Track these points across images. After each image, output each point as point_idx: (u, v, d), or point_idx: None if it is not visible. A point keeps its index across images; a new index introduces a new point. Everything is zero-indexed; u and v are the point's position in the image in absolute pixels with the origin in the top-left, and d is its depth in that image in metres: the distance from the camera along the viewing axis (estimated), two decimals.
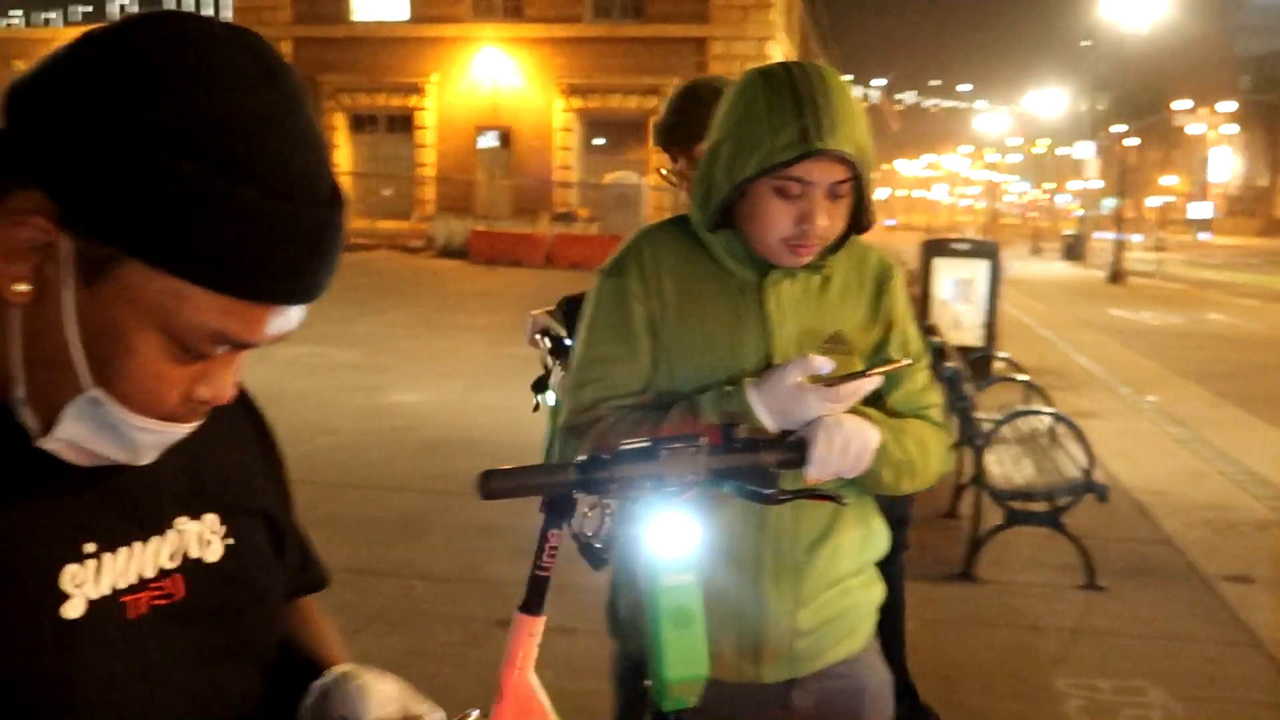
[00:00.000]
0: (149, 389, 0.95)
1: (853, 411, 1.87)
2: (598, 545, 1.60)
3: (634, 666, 2.01)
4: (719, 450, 1.62)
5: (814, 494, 1.79)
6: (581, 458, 1.58)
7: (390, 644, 4.53)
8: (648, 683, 1.58)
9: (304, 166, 0.93)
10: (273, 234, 0.90)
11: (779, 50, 33.26)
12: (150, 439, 0.98)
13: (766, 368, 1.92)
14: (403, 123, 34.35)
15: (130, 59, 0.89)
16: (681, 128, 2.92)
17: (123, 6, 47.58)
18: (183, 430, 1.00)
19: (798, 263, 1.95)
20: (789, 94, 1.85)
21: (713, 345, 1.98)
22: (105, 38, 0.91)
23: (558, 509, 1.63)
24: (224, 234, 0.88)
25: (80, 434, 0.95)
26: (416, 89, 33.57)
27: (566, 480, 1.56)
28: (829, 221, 1.90)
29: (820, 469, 1.79)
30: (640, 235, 2.09)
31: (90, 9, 50.97)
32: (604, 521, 1.60)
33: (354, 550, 5.52)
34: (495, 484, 1.53)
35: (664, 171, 3.06)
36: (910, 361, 2.00)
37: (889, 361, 1.97)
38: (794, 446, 1.77)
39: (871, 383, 1.87)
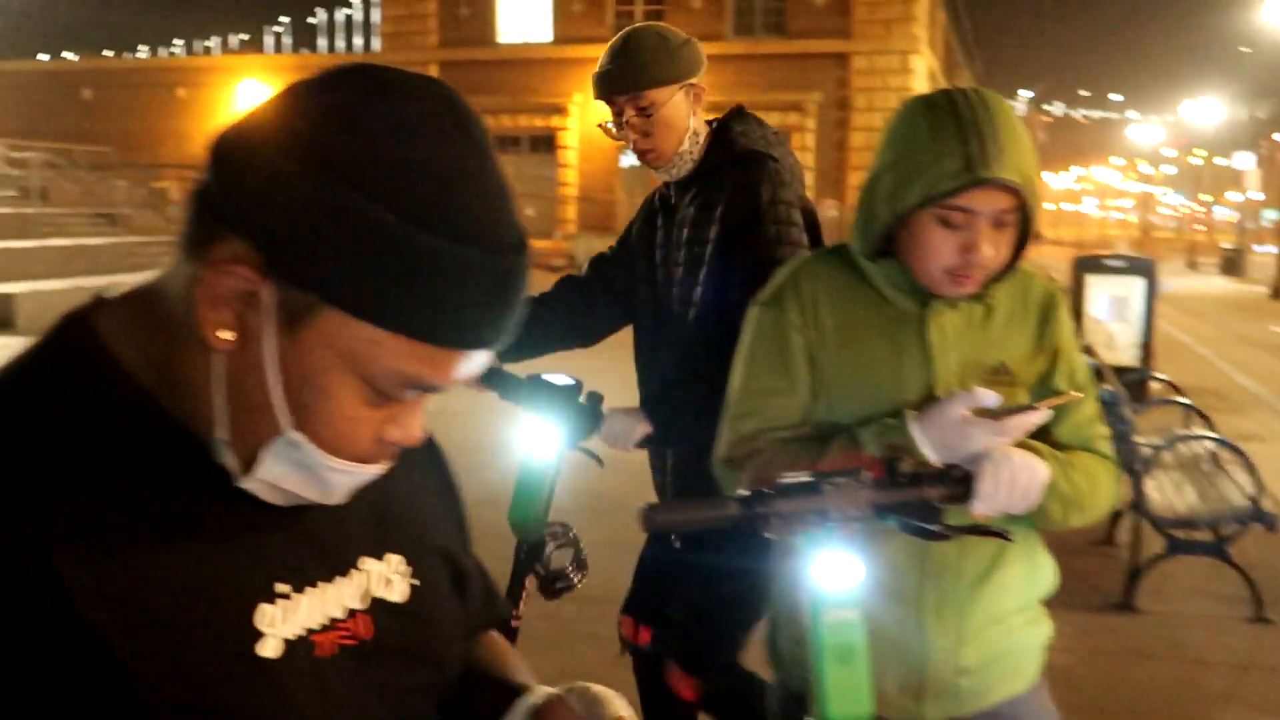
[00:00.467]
0: (343, 432, 0.98)
1: (1019, 444, 1.83)
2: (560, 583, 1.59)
3: (795, 701, 1.99)
4: (883, 484, 1.60)
5: (981, 530, 1.75)
6: (743, 492, 1.57)
7: (539, 663, 4.56)
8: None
9: (494, 215, 0.95)
10: (466, 282, 0.92)
11: (922, 64, 32.83)
12: (343, 480, 1.01)
13: (928, 399, 1.89)
14: (545, 143, 34.83)
15: (332, 111, 0.92)
16: (627, 74, 2.76)
17: (278, 35, 49.32)
18: (374, 471, 1.03)
19: (961, 293, 1.91)
20: (952, 122, 1.81)
21: (873, 377, 1.95)
22: (308, 90, 0.95)
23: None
24: (420, 283, 0.91)
25: (278, 474, 0.98)
26: (559, 109, 34.00)
27: (729, 515, 1.55)
28: (994, 251, 1.86)
29: (988, 504, 1.75)
30: (798, 265, 2.08)
31: (247, 36, 52.96)
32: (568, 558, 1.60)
33: (500, 569, 5.58)
34: (659, 518, 1.53)
35: (604, 125, 2.85)
36: (1080, 395, 1.95)
37: (1056, 393, 1.92)
38: (961, 481, 1.73)
39: (1039, 416, 1.82)
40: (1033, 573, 2.06)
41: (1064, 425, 1.98)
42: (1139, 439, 6.08)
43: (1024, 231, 1.89)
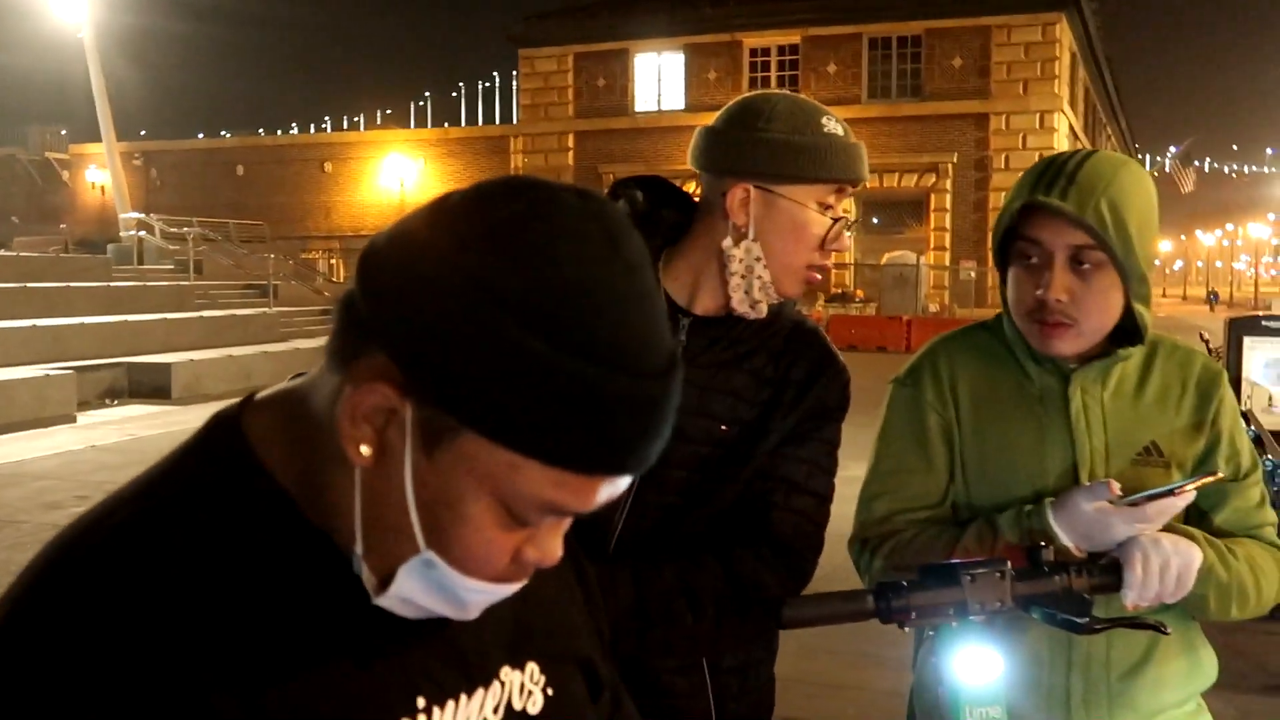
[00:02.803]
0: (480, 553, 0.96)
1: (1172, 530, 1.74)
2: None
3: None
4: (1025, 575, 1.53)
5: (1133, 622, 1.65)
6: (881, 581, 1.52)
7: None
8: None
9: (644, 338, 0.92)
10: (612, 409, 0.90)
11: (1063, 123, 32.33)
12: (479, 599, 1.00)
13: (1074, 482, 1.81)
14: None
15: (486, 230, 0.90)
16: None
17: (421, 108, 50.80)
18: (510, 590, 1.01)
19: (1050, 348, 1.83)
20: (1043, 166, 1.80)
21: (1014, 457, 1.88)
22: (460, 207, 0.93)
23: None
24: (565, 410, 0.89)
25: (414, 592, 0.97)
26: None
27: (865, 609, 1.50)
28: (1070, 296, 1.78)
29: (1139, 593, 1.66)
30: (936, 342, 2.03)
31: (391, 110, 54.59)
32: None
33: None
34: (793, 614, 1.50)
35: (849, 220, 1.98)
36: (1221, 474, 1.83)
37: (1210, 474, 1.81)
38: (1109, 569, 1.65)
39: (1184, 500, 1.71)
40: (1192, 666, 1.94)
41: (1224, 511, 1.88)
42: None
43: (1127, 289, 1.80)
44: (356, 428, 0.92)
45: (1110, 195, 1.74)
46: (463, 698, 1.06)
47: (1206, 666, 1.97)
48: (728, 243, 1.83)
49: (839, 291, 30.81)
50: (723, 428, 1.83)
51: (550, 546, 1.00)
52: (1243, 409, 8.59)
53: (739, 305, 1.84)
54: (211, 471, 0.99)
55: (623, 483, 0.96)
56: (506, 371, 0.87)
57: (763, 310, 1.86)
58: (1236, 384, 10.41)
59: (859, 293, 30.60)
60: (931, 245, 32.09)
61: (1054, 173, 1.77)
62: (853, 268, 32.93)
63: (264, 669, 0.92)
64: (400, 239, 0.93)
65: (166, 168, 43.84)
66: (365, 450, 0.92)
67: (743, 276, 1.83)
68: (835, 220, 1.83)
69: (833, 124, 1.82)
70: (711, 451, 1.83)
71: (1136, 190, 1.78)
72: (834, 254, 1.88)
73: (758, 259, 1.82)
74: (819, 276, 1.88)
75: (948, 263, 31.66)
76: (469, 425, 0.89)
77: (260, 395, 1.05)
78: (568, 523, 1.01)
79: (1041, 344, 1.84)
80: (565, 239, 0.90)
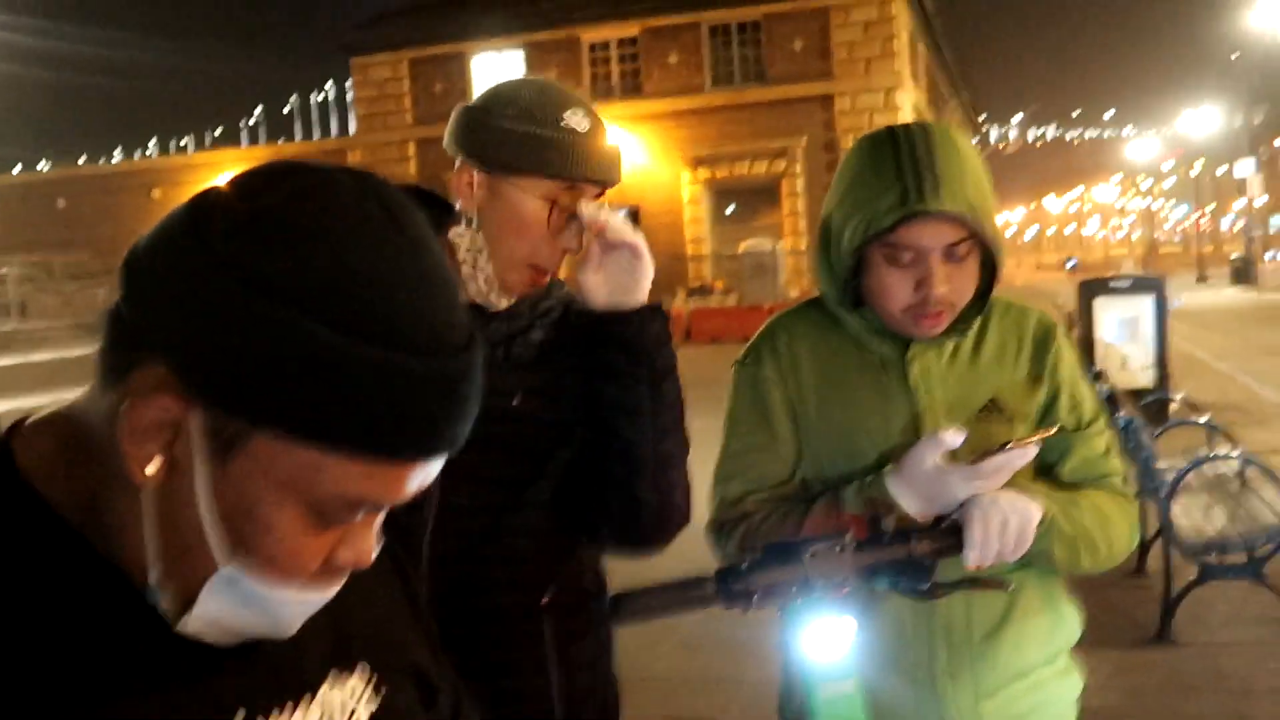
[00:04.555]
0: (289, 562, 0.93)
1: (1013, 486, 1.77)
2: None
3: None
4: (867, 545, 1.55)
5: (977, 582, 1.69)
6: (719, 567, 1.52)
7: None
8: None
9: (435, 316, 0.90)
10: (408, 391, 0.87)
11: (907, 100, 33.07)
12: (292, 610, 0.96)
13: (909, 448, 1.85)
14: None
15: (248, 220, 0.87)
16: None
17: (254, 128, 49.72)
18: (324, 597, 0.98)
19: (928, 334, 1.88)
20: (891, 157, 1.80)
21: (858, 426, 1.92)
22: (220, 200, 0.89)
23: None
24: (356, 396, 0.86)
25: (220, 612, 0.93)
26: None
27: (704, 595, 1.50)
28: (949, 287, 1.83)
29: (980, 553, 1.69)
30: (774, 321, 2.07)
31: (221, 129, 53.33)
32: None
33: None
34: (626, 608, 1.48)
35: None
36: (1061, 425, 1.89)
37: (1048, 429, 1.86)
38: (948, 533, 1.68)
39: (1022, 455, 1.75)
40: (1055, 622, 2.00)
41: (1071, 462, 1.94)
42: (1161, 463, 6.02)
43: (991, 260, 1.86)
44: (139, 446, 0.88)
45: (971, 179, 1.79)
46: (288, 708, 1.02)
47: (1069, 622, 2.02)
48: (456, 230, 1.81)
49: (698, 285, 31.05)
50: (514, 401, 1.81)
51: (362, 546, 0.97)
52: (1096, 369, 8.89)
53: (474, 295, 1.81)
54: None
55: (434, 468, 0.94)
56: (290, 364, 0.84)
57: (500, 302, 1.83)
58: (1090, 346, 10.80)
59: (718, 284, 30.84)
60: (787, 231, 32.52)
61: (914, 169, 1.77)
62: (710, 259, 33.23)
63: (55, 711, 0.87)
64: (161, 240, 0.89)
65: None
66: (151, 469, 0.88)
67: (472, 266, 1.81)
68: (555, 213, 1.78)
69: (579, 118, 1.79)
70: (507, 429, 1.79)
71: (976, 161, 1.83)
72: (565, 254, 1.83)
73: (480, 250, 1.80)
74: (545, 277, 1.84)
75: (804, 247, 32.14)
76: (261, 425, 0.86)
77: (30, 420, 0.99)
78: (378, 521, 0.99)
79: (919, 332, 1.88)
80: (340, 220, 0.88)
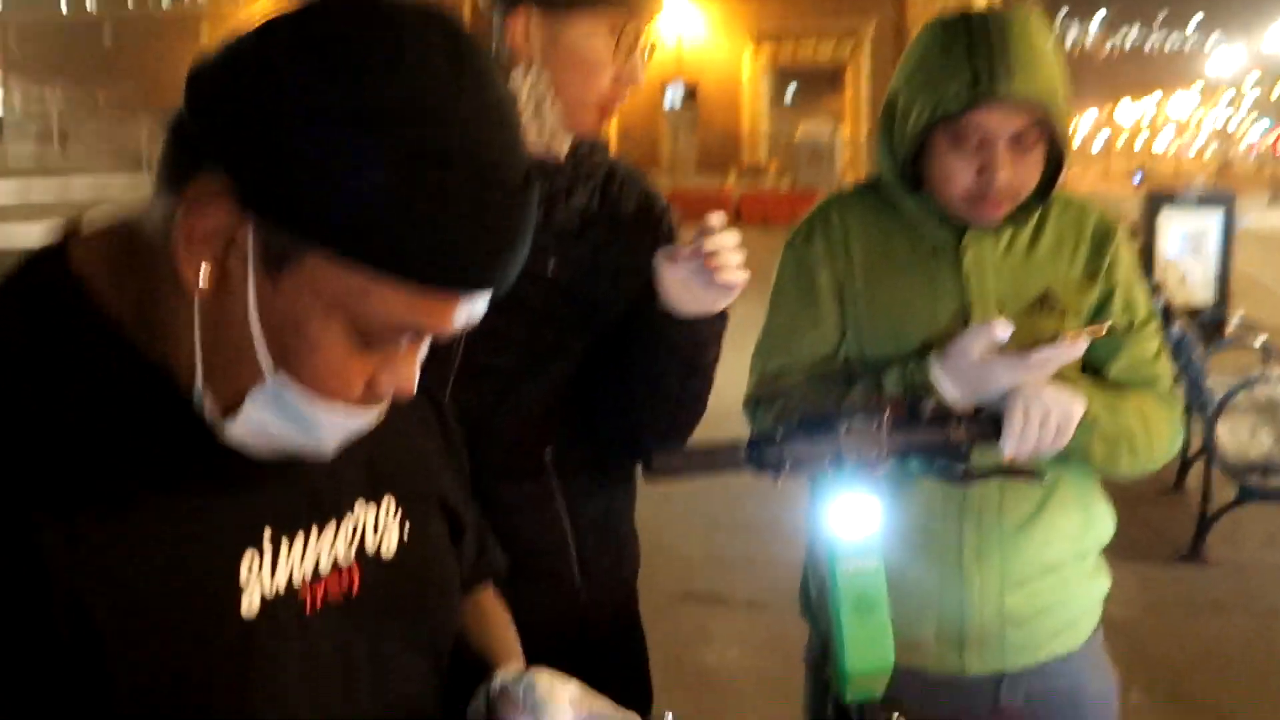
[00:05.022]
0: (332, 379, 0.95)
1: (1059, 380, 1.78)
2: None
3: (825, 652, 1.98)
4: (903, 426, 1.56)
5: (1011, 472, 1.71)
6: (752, 434, 1.55)
7: None
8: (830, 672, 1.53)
9: (494, 150, 0.92)
10: (462, 221, 0.90)
11: None
12: (332, 429, 0.99)
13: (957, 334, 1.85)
14: None
15: (315, 45, 0.89)
16: None
17: None
18: (366, 418, 1.01)
19: (988, 221, 1.88)
20: (964, 39, 1.78)
21: (906, 311, 1.93)
22: (289, 24, 0.91)
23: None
24: (411, 221, 0.88)
25: (264, 422, 0.96)
26: None
27: (737, 460, 1.52)
28: (1013, 174, 1.82)
29: (1015, 444, 1.70)
30: (828, 200, 2.06)
31: None
32: None
33: None
34: (660, 463, 1.50)
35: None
36: (1109, 323, 1.89)
37: (1103, 327, 1.86)
38: (987, 421, 1.69)
39: (1070, 349, 1.77)
40: (1088, 521, 2.01)
41: (1120, 362, 1.94)
42: (1212, 381, 5.99)
43: (1058, 155, 1.85)
44: (194, 251, 0.90)
45: (1045, 68, 1.77)
46: (314, 530, 1.06)
47: (1102, 523, 2.04)
48: (513, 76, 1.77)
49: (752, 166, 30.77)
50: (549, 267, 1.78)
51: (405, 374, 1.00)
52: (1156, 281, 8.79)
53: (532, 146, 1.75)
54: (35, 307, 0.96)
55: (480, 303, 0.96)
56: (343, 185, 0.86)
57: (561, 150, 1.82)
58: (1151, 258, 10.65)
59: (772, 166, 30.56)
60: (848, 118, 32.09)
61: (987, 54, 1.76)
62: (766, 140, 32.86)
63: (95, 510, 0.91)
64: (229, 57, 0.92)
65: (25, 40, 42.11)
66: (203, 278, 0.91)
67: (533, 113, 1.77)
68: (620, 47, 1.75)
69: None
70: (537, 294, 1.77)
71: (1052, 52, 1.81)
72: (630, 89, 1.80)
73: (543, 96, 1.76)
74: (609, 117, 1.81)
75: (864, 137, 31.74)
76: (315, 243, 0.88)
77: (85, 225, 1.02)
78: (423, 350, 1.01)
79: (978, 219, 1.88)
80: (401, 49, 0.89)
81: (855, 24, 31.50)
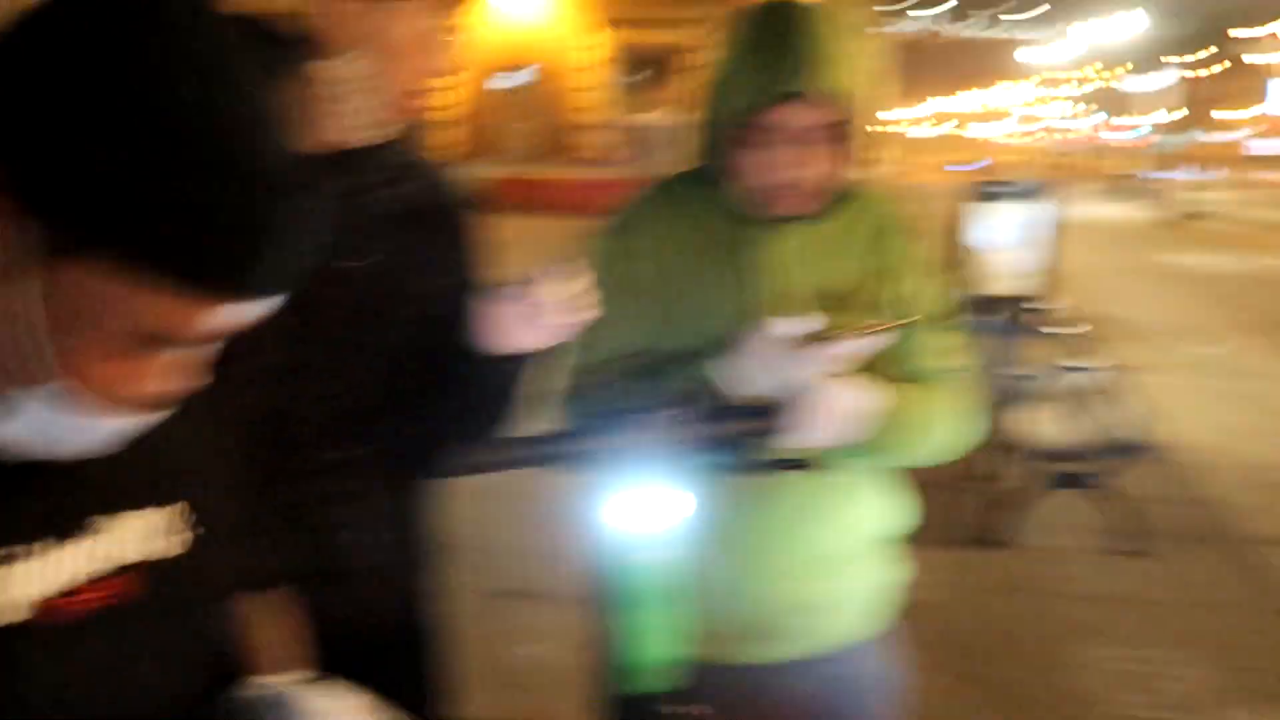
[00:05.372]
0: (111, 381, 0.96)
1: (849, 374, 1.83)
2: None
3: (613, 643, 2.02)
4: (685, 420, 1.59)
5: (796, 464, 1.76)
6: (544, 429, 1.59)
7: None
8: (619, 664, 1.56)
9: (255, 154, 0.91)
10: (220, 226, 0.89)
11: None
12: (111, 430, 0.99)
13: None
14: None
15: (75, 37, 0.88)
16: None
17: None
18: (144, 419, 1.01)
19: (780, 213, 1.92)
20: (765, 33, 1.83)
21: (706, 304, 1.97)
22: (51, 14, 0.90)
23: None
24: (165, 225, 0.88)
25: (38, 426, 0.96)
26: None
27: (532, 455, 1.55)
28: (811, 169, 1.87)
29: (801, 436, 1.76)
30: (636, 194, 2.09)
31: None
32: None
33: None
34: (465, 459, 1.52)
35: None
36: (911, 318, 1.94)
37: (897, 322, 1.90)
38: (770, 413, 1.71)
39: (866, 343, 1.81)
40: (879, 511, 2.07)
41: (916, 356, 1.98)
42: (1022, 370, 6.19)
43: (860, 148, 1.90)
44: None
45: (845, 63, 1.81)
46: (89, 538, 1.06)
47: (895, 513, 2.10)
48: (324, 63, 1.75)
49: (589, 152, 30.65)
50: (351, 264, 1.78)
51: (187, 375, 1.01)
52: (971, 271, 9.04)
53: (337, 134, 1.77)
54: None
55: (252, 309, 0.96)
56: (110, 186, 0.86)
57: (375, 138, 1.81)
58: (971, 247, 10.91)
59: (613, 151, 30.46)
60: (685, 106, 32.11)
61: (777, 52, 1.80)
62: (601, 128, 32.76)
63: None
64: None
65: None
66: None
67: (343, 101, 1.77)
68: (434, 32, 1.77)
69: None
70: (337, 292, 1.77)
71: (859, 44, 1.86)
72: (442, 75, 1.81)
73: (355, 82, 1.76)
74: (423, 103, 1.82)
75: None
76: (74, 242, 0.89)
77: None
78: (204, 354, 1.02)
79: (776, 212, 1.92)
80: (165, 43, 0.89)
81: (705, 11, 31.64)
